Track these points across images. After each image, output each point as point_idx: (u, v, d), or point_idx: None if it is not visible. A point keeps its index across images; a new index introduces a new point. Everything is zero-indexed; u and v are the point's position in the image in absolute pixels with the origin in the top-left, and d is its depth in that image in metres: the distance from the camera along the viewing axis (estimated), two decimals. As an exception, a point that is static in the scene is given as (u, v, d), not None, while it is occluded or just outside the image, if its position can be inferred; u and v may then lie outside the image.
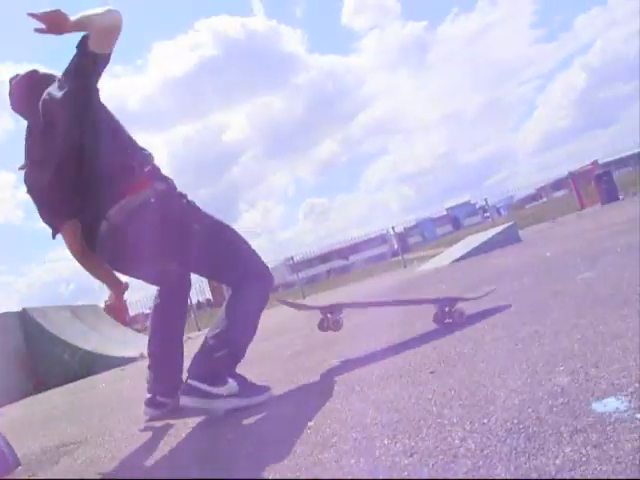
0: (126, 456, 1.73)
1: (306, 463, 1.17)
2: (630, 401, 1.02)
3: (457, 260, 7.65)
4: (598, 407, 1.04)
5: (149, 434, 1.94)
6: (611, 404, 1.04)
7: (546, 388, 1.22)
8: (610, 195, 12.44)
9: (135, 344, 8.17)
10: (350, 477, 1.03)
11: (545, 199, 30.83)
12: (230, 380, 1.79)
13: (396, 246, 20.10)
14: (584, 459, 0.85)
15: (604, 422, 0.96)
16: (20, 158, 2.04)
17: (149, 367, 2.16)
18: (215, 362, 1.80)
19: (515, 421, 1.07)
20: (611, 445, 0.87)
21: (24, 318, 7.38)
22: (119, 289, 2.17)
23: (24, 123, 2.04)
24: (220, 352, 1.79)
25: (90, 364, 6.87)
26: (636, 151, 22.31)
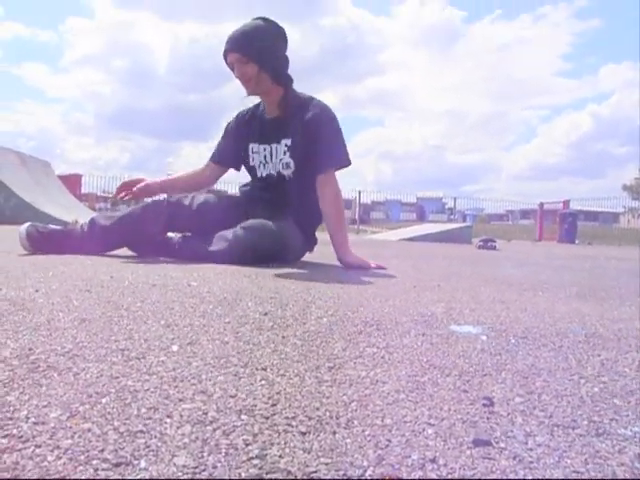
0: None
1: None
2: (483, 330, 1.07)
3: (405, 239, 7.76)
4: (454, 328, 1.08)
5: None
6: (466, 328, 1.09)
7: (419, 311, 1.26)
8: (568, 236, 12.77)
9: (76, 212, 8.01)
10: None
11: (511, 222, 31.50)
12: None
13: (357, 215, 19.94)
14: (415, 347, 0.89)
15: (451, 335, 1.01)
16: None
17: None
18: None
19: (390, 323, 1.11)
20: (446, 345, 0.92)
21: (-30, 145, 7.13)
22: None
23: None
24: None
25: (23, 214, 6.70)
26: (607, 210, 22.92)
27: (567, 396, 0.66)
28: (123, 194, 2.34)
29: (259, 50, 2.23)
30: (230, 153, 2.50)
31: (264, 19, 2.30)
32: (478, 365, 0.79)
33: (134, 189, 2.32)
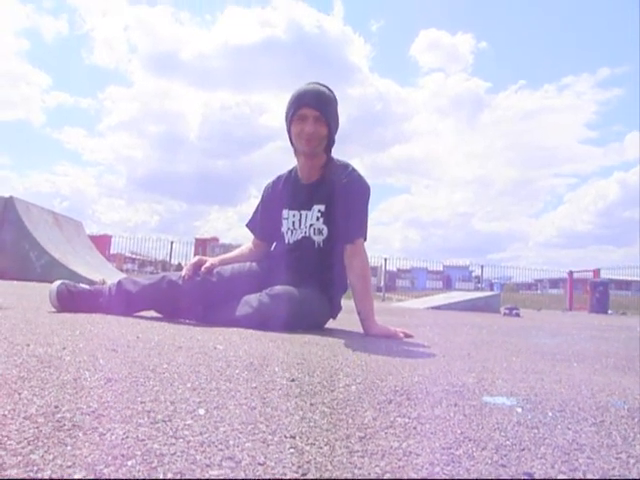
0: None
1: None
2: (517, 402, 1.03)
3: (432, 308, 7.65)
4: (487, 399, 1.04)
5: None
6: (499, 400, 1.04)
7: (449, 381, 1.22)
8: (600, 306, 12.43)
9: (103, 272, 8.14)
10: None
11: (540, 291, 30.94)
12: None
13: (382, 283, 19.71)
14: (447, 418, 0.85)
15: (484, 407, 0.97)
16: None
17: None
18: None
19: (414, 397, 1.08)
20: (479, 417, 0.88)
21: (7, 205, 7.38)
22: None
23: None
24: None
25: (53, 271, 6.84)
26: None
27: (616, 476, 0.62)
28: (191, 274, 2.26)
29: (334, 117, 2.32)
30: (271, 229, 2.52)
31: (327, 87, 2.36)
32: (515, 439, 0.76)
33: (202, 268, 2.26)
